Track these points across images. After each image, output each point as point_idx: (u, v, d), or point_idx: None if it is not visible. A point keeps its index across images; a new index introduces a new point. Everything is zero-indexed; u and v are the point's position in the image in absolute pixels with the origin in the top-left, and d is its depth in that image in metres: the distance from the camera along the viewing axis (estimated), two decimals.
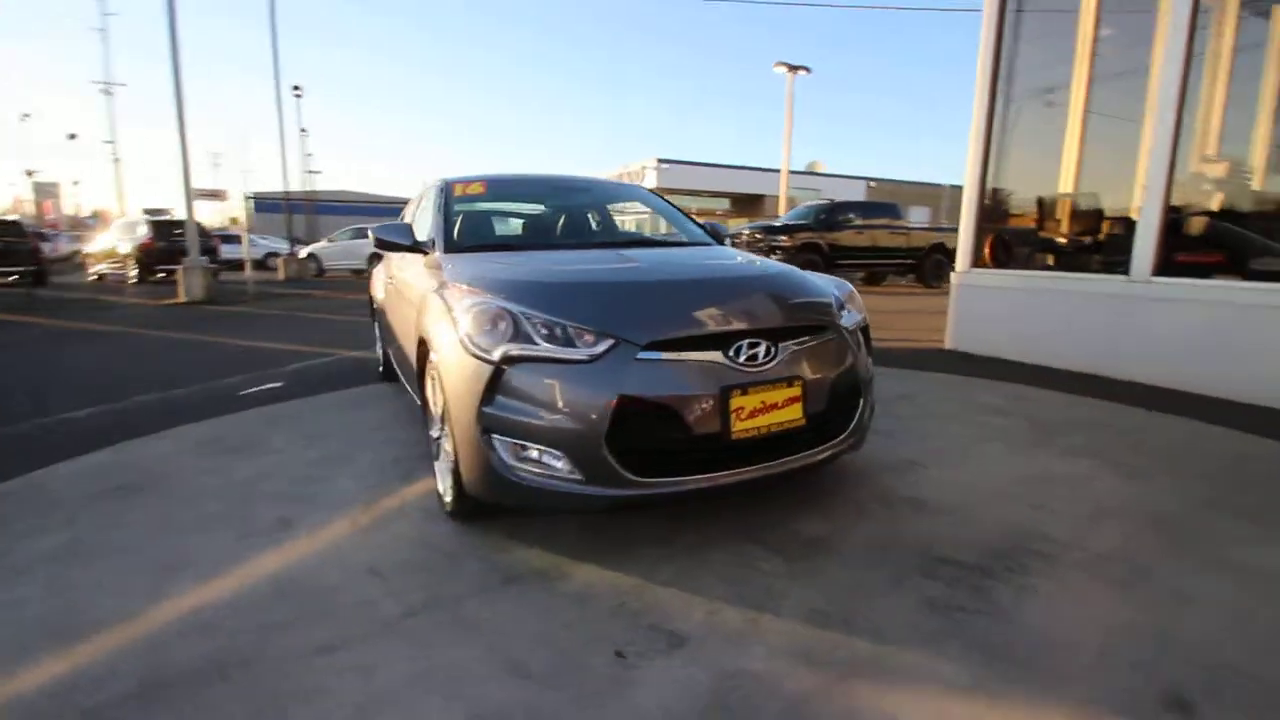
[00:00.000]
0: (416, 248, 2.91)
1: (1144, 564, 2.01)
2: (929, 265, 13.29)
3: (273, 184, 41.17)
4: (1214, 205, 4.67)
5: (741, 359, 1.99)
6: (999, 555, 2.06)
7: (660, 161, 32.10)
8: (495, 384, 1.92)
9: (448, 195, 3.18)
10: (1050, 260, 5.48)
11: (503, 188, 3.40)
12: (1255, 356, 3.76)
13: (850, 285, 2.62)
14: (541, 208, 3.74)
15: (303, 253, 19.38)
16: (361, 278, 18.11)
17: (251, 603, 1.86)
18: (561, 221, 3.56)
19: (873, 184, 36.50)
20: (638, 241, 3.22)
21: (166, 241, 14.71)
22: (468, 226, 3.09)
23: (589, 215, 3.61)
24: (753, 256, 3.00)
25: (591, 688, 1.49)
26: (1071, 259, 5.30)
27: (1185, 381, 4.03)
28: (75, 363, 5.80)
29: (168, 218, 16.29)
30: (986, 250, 5.35)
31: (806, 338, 2.16)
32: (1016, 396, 4.03)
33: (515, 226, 3.71)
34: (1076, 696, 1.45)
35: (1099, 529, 2.25)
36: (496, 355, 1.93)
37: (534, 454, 1.91)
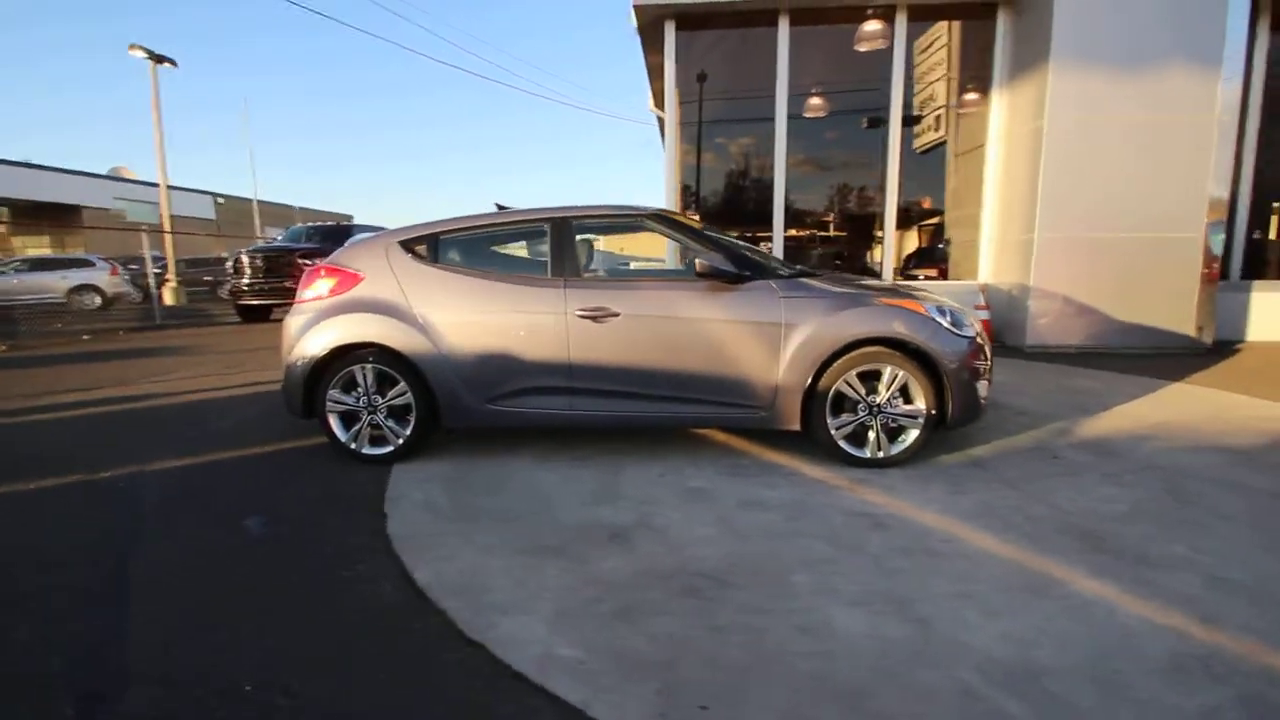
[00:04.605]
0: (738, 276, 3.17)
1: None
2: None
3: None
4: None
5: None
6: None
7: None
8: (973, 349, 3.21)
9: (689, 228, 3.35)
10: None
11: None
12: None
13: None
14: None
15: None
16: None
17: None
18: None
19: (220, 200, 32.72)
20: None
21: None
22: None
23: None
24: None
25: (1081, 467, 3.29)
26: None
27: None
28: None
29: None
30: None
31: None
32: None
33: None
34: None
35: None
36: (971, 333, 3.22)
37: (984, 384, 3.31)
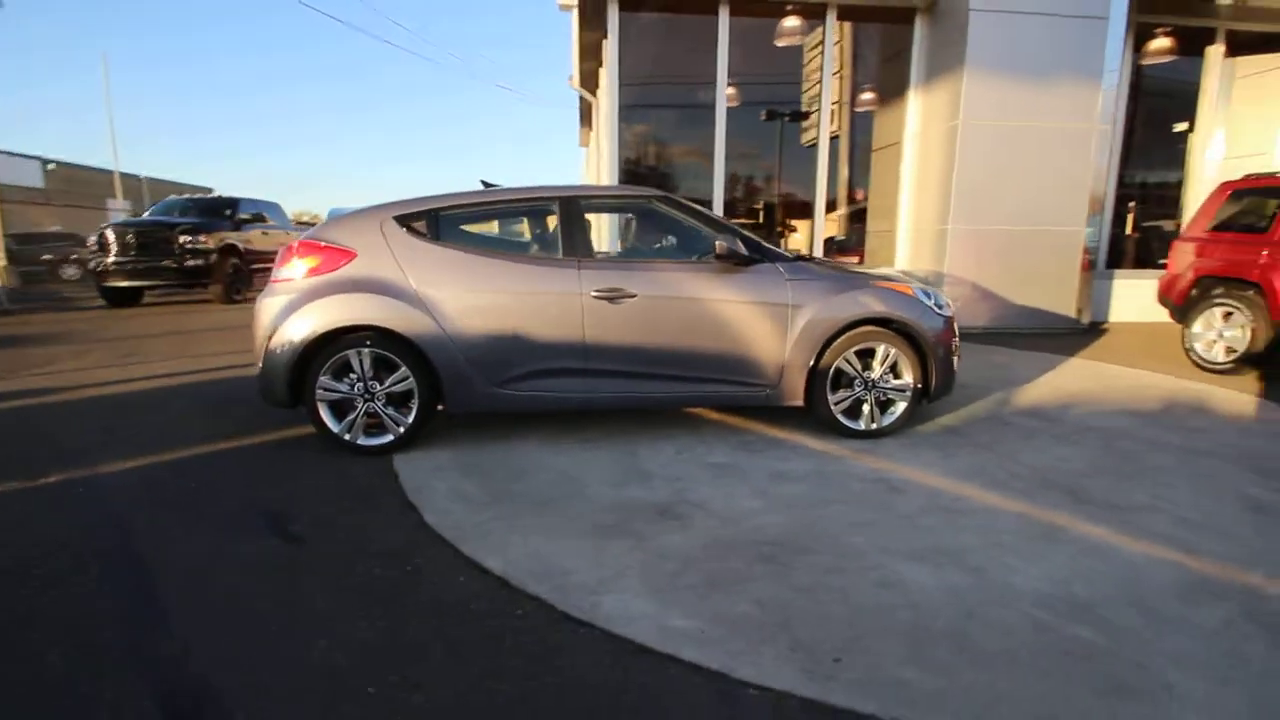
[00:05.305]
0: (748, 259, 3.28)
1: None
2: None
3: None
4: None
5: None
6: None
7: None
8: (948, 327, 3.54)
9: (696, 210, 3.40)
10: None
11: None
12: None
13: None
14: None
15: None
16: None
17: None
18: None
19: (51, 166, 28.23)
20: None
21: None
22: None
23: None
24: None
25: (1028, 436, 3.75)
26: None
27: None
28: None
29: None
30: None
31: None
32: None
33: None
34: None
35: None
36: (949, 312, 3.54)
37: (956, 359, 3.65)
